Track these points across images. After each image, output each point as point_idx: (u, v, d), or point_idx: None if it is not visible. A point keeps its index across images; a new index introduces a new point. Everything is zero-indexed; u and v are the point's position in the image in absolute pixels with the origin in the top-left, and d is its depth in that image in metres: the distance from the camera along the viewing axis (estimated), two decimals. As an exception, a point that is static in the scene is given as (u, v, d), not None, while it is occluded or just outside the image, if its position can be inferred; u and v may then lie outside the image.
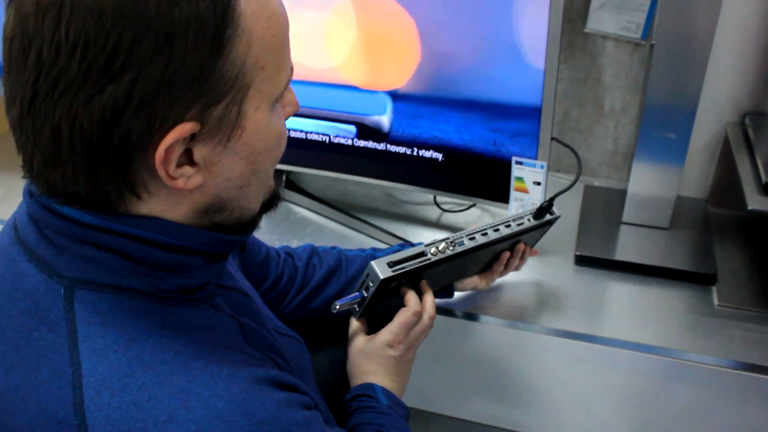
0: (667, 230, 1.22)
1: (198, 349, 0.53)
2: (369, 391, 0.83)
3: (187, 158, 0.52)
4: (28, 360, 0.52)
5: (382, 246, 1.23)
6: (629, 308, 1.10)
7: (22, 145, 0.51)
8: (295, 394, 0.56)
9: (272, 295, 0.93)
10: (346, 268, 0.96)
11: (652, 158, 1.14)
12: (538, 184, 1.13)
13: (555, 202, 1.00)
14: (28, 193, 0.56)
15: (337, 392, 0.96)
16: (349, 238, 1.29)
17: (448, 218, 1.31)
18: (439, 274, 0.93)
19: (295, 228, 1.32)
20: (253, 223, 0.62)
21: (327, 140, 1.24)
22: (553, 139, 1.09)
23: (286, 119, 0.60)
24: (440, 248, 0.88)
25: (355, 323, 0.88)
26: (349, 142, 1.22)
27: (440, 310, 1.09)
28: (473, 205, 1.30)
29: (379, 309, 0.90)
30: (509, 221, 0.97)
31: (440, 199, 1.33)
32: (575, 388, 1.09)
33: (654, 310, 1.08)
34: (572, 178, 1.39)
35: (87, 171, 0.49)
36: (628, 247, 1.19)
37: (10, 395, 0.52)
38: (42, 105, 0.47)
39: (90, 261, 0.53)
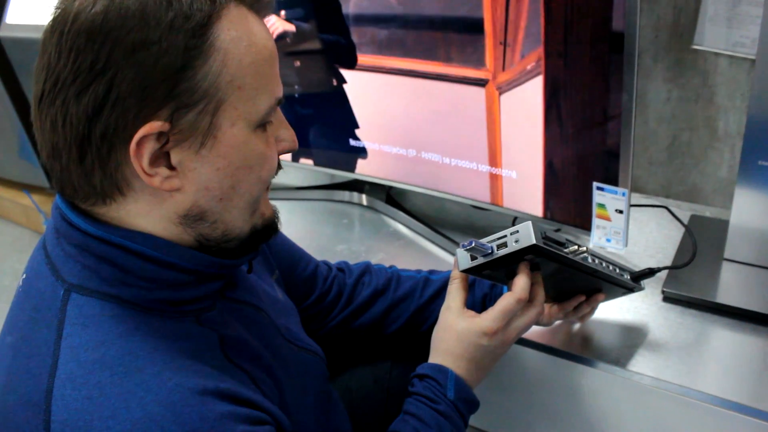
0: (778, 271, 1.07)
1: (159, 356, 0.58)
2: (440, 377, 0.78)
3: (166, 161, 0.58)
4: (27, 349, 0.60)
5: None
6: (720, 359, 0.98)
7: (36, 139, 0.60)
8: (242, 409, 0.58)
9: (317, 310, 0.95)
10: (395, 289, 0.96)
11: (757, 187, 1.01)
12: (621, 212, 1.05)
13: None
14: (55, 206, 0.64)
15: (380, 410, 0.96)
16: (435, 255, 1.28)
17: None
18: (554, 281, 0.84)
19: (384, 241, 1.34)
20: (243, 247, 0.66)
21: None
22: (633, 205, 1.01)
23: (281, 153, 0.66)
24: (578, 250, 0.79)
25: (457, 284, 0.80)
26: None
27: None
28: (558, 230, 1.24)
29: (485, 274, 0.81)
30: (615, 267, 0.90)
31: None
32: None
33: (750, 364, 0.96)
34: (685, 206, 1.28)
35: (77, 161, 0.57)
36: (727, 287, 1.06)
37: (11, 377, 0.60)
38: (46, 101, 0.57)
39: (88, 269, 0.60)
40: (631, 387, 0.97)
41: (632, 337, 1.02)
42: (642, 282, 0.96)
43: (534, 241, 0.73)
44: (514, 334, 0.78)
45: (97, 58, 0.54)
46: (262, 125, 0.62)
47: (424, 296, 0.95)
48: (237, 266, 0.68)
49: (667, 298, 1.08)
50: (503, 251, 0.74)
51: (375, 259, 1.27)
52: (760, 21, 1.06)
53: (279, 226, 0.70)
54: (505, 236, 0.75)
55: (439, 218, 1.38)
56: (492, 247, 0.75)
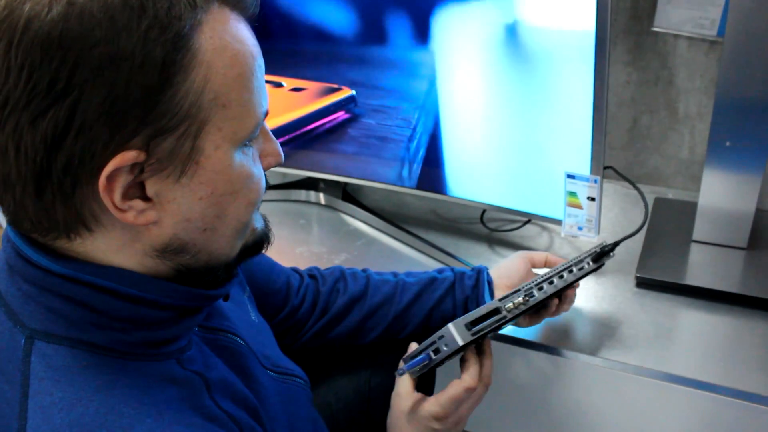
0: (745, 250, 1.08)
1: (146, 411, 0.51)
2: None
3: (141, 192, 0.50)
4: None
5: (432, 264, 1.18)
6: (695, 340, 0.98)
7: None
8: None
9: (291, 323, 0.89)
10: (372, 295, 0.91)
11: (725, 168, 1.02)
12: (593, 199, 1.04)
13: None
14: (6, 239, 0.56)
15: (362, 421, 0.92)
16: (400, 252, 1.24)
17: (503, 232, 1.24)
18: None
19: (346, 240, 1.29)
20: (229, 269, 0.59)
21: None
22: (607, 167, 0.99)
23: (267, 169, 0.58)
24: (516, 303, 0.80)
25: (407, 383, 0.79)
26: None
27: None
28: (528, 221, 1.22)
29: (438, 367, 0.82)
30: (571, 266, 0.88)
31: (490, 215, 1.25)
32: (627, 426, 1.00)
33: (725, 343, 0.96)
34: (647, 189, 1.29)
35: (35, 195, 0.49)
36: (698, 269, 1.07)
37: None
38: None
39: (53, 312, 0.52)
40: (613, 376, 0.96)
41: (610, 326, 1.01)
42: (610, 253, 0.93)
43: (460, 344, 0.74)
44: (465, 413, 0.78)
45: (56, 77, 0.45)
46: (247, 143, 0.54)
47: (402, 301, 0.90)
48: (222, 296, 0.61)
49: (641, 284, 1.07)
50: (439, 356, 0.75)
51: (338, 260, 1.22)
52: (719, 2, 1.06)
53: (271, 238, 0.62)
54: (435, 341, 0.76)
55: (400, 213, 1.34)
56: (428, 355, 0.76)
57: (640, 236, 1.16)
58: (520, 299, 0.80)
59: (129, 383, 0.52)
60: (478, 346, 0.80)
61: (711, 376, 0.91)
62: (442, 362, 0.78)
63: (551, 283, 0.86)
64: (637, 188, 0.98)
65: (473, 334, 0.75)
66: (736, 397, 0.90)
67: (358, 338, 0.91)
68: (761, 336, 0.96)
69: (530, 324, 0.95)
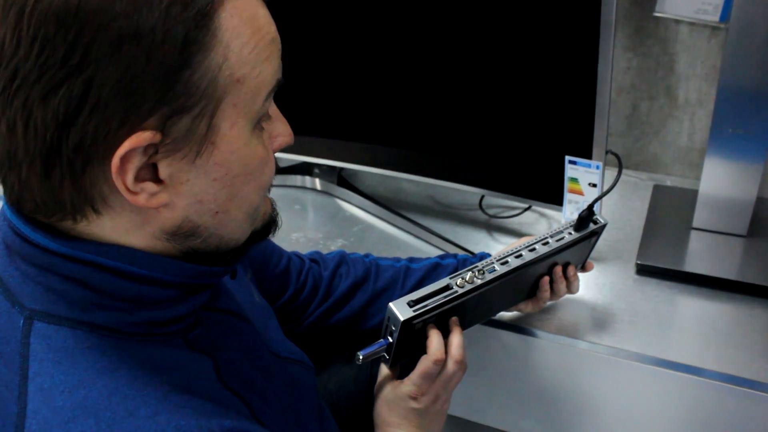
0: (745, 238, 1.08)
1: (152, 394, 0.49)
2: None
3: (152, 174, 0.48)
4: None
5: (431, 251, 1.17)
6: (696, 328, 0.98)
7: None
8: None
9: (292, 307, 0.88)
10: (375, 280, 0.91)
11: (727, 155, 1.02)
12: (594, 185, 1.03)
13: (606, 206, 0.90)
14: (2, 217, 0.54)
15: (361, 410, 0.91)
16: (397, 238, 1.23)
17: (502, 219, 1.23)
18: (474, 307, 0.84)
19: (342, 226, 1.28)
20: (237, 253, 0.58)
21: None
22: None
23: (277, 150, 0.56)
24: (467, 278, 0.79)
25: (385, 370, 0.80)
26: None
27: (486, 321, 1.02)
28: (528, 208, 1.21)
29: (417, 353, 0.80)
30: (547, 238, 0.86)
31: (489, 201, 1.24)
32: (628, 414, 0.99)
33: (725, 331, 0.96)
34: (645, 176, 1.29)
35: (42, 174, 0.47)
36: (698, 256, 1.06)
37: None
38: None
39: (53, 292, 0.51)
40: (614, 363, 0.96)
41: (611, 313, 1.01)
42: (598, 219, 0.91)
43: (401, 320, 0.73)
44: (440, 390, 0.77)
45: (71, 50, 0.43)
46: (260, 122, 0.53)
47: (406, 287, 0.90)
48: (228, 273, 0.59)
49: (641, 271, 1.07)
50: (395, 337, 0.75)
51: (334, 246, 1.21)
52: (723, -13, 1.05)
53: (279, 222, 0.61)
54: (387, 324, 0.76)
55: (396, 199, 1.32)
56: (387, 340, 0.77)
57: (640, 223, 1.15)
58: (472, 274, 0.79)
59: (133, 365, 0.50)
60: (443, 325, 0.79)
61: (711, 363, 0.91)
62: (409, 346, 0.77)
63: (519, 256, 0.84)
64: (615, 154, 0.94)
65: (416, 311, 0.74)
66: (737, 384, 0.90)
67: (361, 323, 0.90)
68: (761, 323, 0.96)
69: (533, 309, 0.95)
